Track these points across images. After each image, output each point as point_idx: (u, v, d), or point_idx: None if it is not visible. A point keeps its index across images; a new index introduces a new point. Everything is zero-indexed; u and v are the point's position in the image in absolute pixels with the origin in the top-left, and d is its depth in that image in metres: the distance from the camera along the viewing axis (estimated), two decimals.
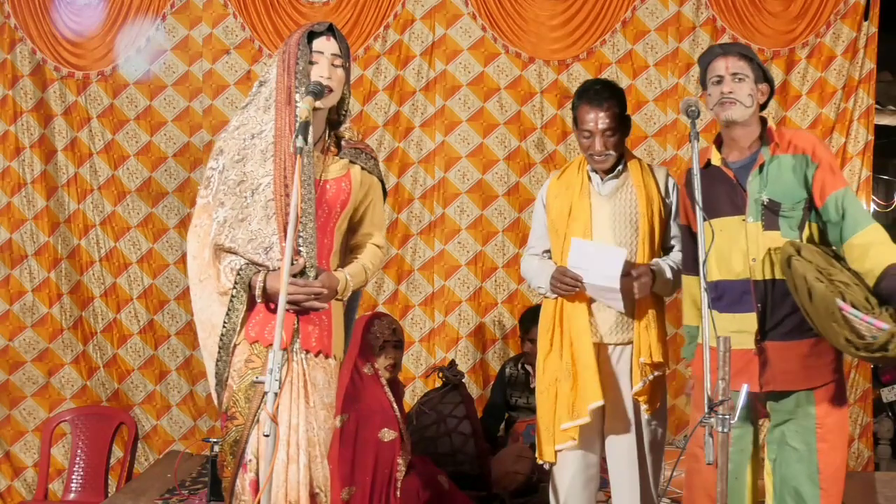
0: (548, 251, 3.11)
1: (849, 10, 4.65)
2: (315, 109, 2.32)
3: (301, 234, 2.37)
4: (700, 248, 2.33)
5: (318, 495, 2.40)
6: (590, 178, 3.02)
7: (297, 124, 2.19)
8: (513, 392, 4.38)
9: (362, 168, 2.57)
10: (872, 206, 4.91)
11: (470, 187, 4.80)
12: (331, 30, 2.47)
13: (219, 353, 2.40)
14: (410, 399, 4.61)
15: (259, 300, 2.38)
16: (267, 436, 2.02)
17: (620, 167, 3.01)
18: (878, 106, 4.87)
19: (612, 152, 2.95)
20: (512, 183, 4.80)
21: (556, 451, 2.95)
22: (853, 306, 2.34)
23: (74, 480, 4.29)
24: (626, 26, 4.75)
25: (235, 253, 2.39)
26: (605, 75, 4.72)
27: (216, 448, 3.82)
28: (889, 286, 2.40)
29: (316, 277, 2.38)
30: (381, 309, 4.71)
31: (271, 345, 2.29)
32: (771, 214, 2.58)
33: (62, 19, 4.78)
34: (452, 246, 4.81)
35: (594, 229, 2.95)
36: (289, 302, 2.24)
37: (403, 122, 4.82)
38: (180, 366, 4.82)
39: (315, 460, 2.40)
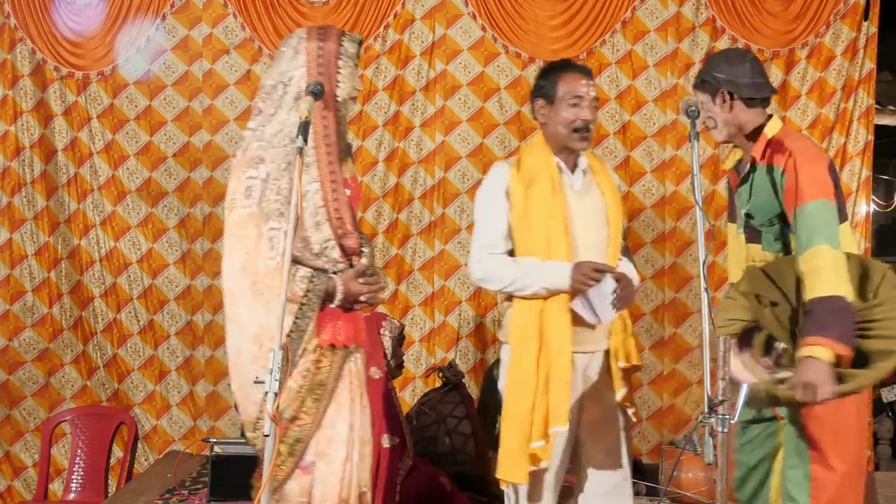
0: (511, 251, 2.84)
1: (849, 10, 4.64)
2: None
3: (362, 236, 2.50)
4: (700, 248, 2.32)
5: (364, 494, 2.44)
6: (560, 170, 2.81)
7: (298, 124, 2.19)
8: None
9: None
10: (872, 206, 4.89)
11: (470, 187, 4.79)
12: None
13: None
14: (410, 399, 4.61)
15: (336, 304, 2.40)
16: (267, 436, 2.03)
17: (585, 163, 2.87)
18: (878, 106, 4.86)
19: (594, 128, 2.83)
20: None
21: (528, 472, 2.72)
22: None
23: (74, 480, 4.29)
24: (625, 26, 4.74)
25: (298, 262, 2.36)
26: (604, 75, 4.72)
27: (216, 448, 3.83)
28: (805, 323, 2.37)
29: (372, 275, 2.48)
30: (381, 309, 4.71)
31: (344, 346, 2.41)
32: (751, 226, 2.59)
33: (62, 19, 4.78)
34: (452, 246, 4.81)
35: (574, 229, 2.76)
36: (363, 301, 2.43)
37: (403, 122, 4.81)
38: (180, 366, 4.82)
39: (364, 459, 2.44)
